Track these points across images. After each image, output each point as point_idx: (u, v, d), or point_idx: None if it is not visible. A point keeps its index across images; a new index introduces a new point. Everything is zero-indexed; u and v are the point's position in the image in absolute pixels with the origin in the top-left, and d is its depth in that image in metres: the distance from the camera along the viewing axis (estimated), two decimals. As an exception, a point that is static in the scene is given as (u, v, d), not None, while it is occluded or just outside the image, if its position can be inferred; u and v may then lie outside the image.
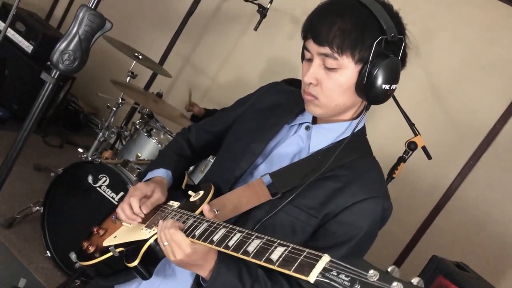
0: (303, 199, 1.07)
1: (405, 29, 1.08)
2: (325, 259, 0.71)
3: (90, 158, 2.61)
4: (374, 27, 1.01)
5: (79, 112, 4.28)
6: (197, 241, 0.95)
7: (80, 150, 2.74)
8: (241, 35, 3.93)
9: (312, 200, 1.07)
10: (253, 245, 0.84)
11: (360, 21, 1.00)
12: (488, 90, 3.03)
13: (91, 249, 1.21)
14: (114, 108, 2.89)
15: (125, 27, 4.01)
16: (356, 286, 0.62)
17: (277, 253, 0.79)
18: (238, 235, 0.89)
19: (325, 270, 0.68)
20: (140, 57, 3.04)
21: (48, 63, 1.02)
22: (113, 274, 1.18)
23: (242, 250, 0.85)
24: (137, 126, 2.81)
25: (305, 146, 1.16)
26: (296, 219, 1.07)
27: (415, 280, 0.62)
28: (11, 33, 3.67)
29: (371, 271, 0.63)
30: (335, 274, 0.66)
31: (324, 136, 1.15)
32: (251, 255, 0.83)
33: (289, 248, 0.79)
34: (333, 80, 1.05)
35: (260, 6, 2.92)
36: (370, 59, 1.01)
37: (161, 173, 1.27)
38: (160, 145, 2.72)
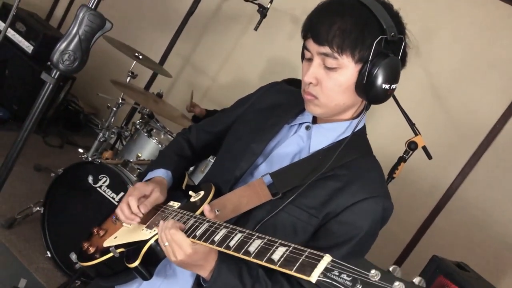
0: (304, 199, 1.07)
1: (405, 28, 1.07)
2: (327, 259, 0.71)
3: (90, 159, 2.61)
4: (374, 26, 1.00)
5: (79, 112, 4.28)
6: (198, 241, 0.95)
7: (81, 150, 2.74)
8: (241, 35, 3.93)
9: (313, 200, 1.07)
10: (254, 245, 0.84)
11: (360, 21, 1.00)
12: (488, 90, 3.02)
13: (92, 249, 1.21)
14: (114, 108, 2.89)
15: (125, 27, 4.01)
16: (358, 285, 0.62)
17: (279, 253, 0.79)
18: (239, 235, 0.89)
19: (326, 270, 0.68)
20: (140, 57, 3.04)
21: (48, 63, 1.02)
22: (114, 275, 1.18)
23: (243, 250, 0.85)
24: (138, 126, 2.81)
25: (306, 146, 1.16)
26: (297, 219, 1.07)
27: (416, 280, 0.62)
28: (11, 33, 3.67)
29: (373, 271, 0.63)
30: (337, 274, 0.66)
31: (324, 136, 1.15)
32: (253, 255, 0.83)
33: (291, 248, 0.78)
34: (333, 79, 1.04)
35: (260, 6, 2.92)
36: (370, 59, 1.01)
37: (161, 173, 1.27)
38: (160, 145, 2.72)
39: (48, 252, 2.49)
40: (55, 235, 2.50)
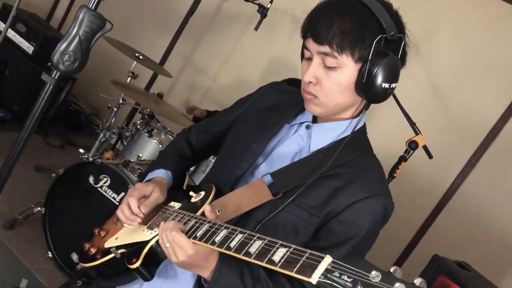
0: (304, 198, 1.07)
1: (405, 27, 1.07)
2: (327, 260, 0.71)
3: (91, 159, 2.61)
4: (374, 25, 1.00)
5: (80, 113, 4.28)
6: (198, 242, 0.95)
7: (81, 150, 2.74)
8: (242, 35, 3.92)
9: (313, 199, 1.07)
10: (255, 246, 0.84)
11: (360, 20, 1.00)
12: (489, 89, 3.02)
13: (93, 250, 1.21)
14: (115, 109, 2.89)
15: (125, 28, 4.01)
16: (359, 287, 0.62)
17: (279, 254, 0.79)
18: (239, 236, 0.89)
19: (327, 271, 0.68)
20: (141, 57, 3.04)
21: (49, 64, 1.02)
22: (115, 275, 1.18)
23: (244, 251, 0.85)
24: (138, 127, 2.82)
25: (306, 145, 1.15)
26: (298, 218, 1.07)
27: (417, 281, 0.62)
28: (11, 34, 3.67)
29: (374, 272, 0.63)
30: (338, 275, 0.66)
31: (324, 135, 1.15)
32: (253, 256, 0.83)
33: (291, 249, 0.78)
34: (332, 79, 1.04)
35: (260, 6, 2.92)
36: (369, 58, 1.01)
37: (161, 174, 1.27)
38: (161, 146, 2.72)
39: (49, 252, 2.49)
40: (56, 235, 2.50)
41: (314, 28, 1.04)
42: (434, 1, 3.22)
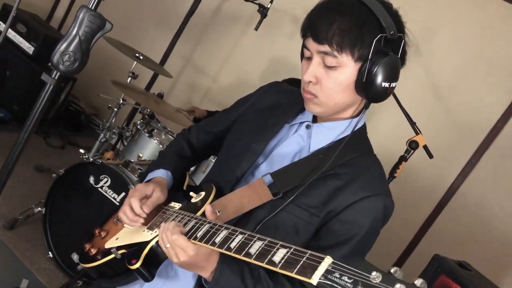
0: (304, 198, 1.07)
1: (405, 27, 1.07)
2: (328, 261, 0.71)
3: (91, 159, 2.61)
4: (374, 25, 1.00)
5: (80, 113, 4.28)
6: (199, 243, 0.95)
7: (82, 151, 2.74)
8: (242, 35, 3.92)
9: (313, 199, 1.07)
10: (255, 246, 0.84)
11: (360, 19, 1.00)
12: (489, 89, 3.02)
13: (93, 251, 1.21)
14: (115, 109, 2.89)
15: (125, 28, 4.01)
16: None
17: (280, 254, 0.79)
18: (240, 236, 0.89)
19: (327, 272, 0.68)
20: (141, 57, 3.04)
21: (49, 64, 1.02)
22: (116, 276, 1.18)
23: (244, 252, 0.85)
24: (138, 127, 2.82)
25: (306, 145, 1.15)
26: (298, 218, 1.07)
27: (418, 282, 0.62)
28: (12, 34, 3.67)
29: (374, 273, 0.63)
30: (338, 276, 0.66)
31: (324, 135, 1.15)
32: (254, 257, 0.83)
33: (291, 250, 0.78)
34: (332, 78, 1.04)
35: (260, 5, 2.92)
36: (369, 57, 1.01)
37: (161, 174, 1.27)
38: (161, 146, 2.72)
39: (49, 252, 2.49)
40: (56, 235, 2.50)
41: (314, 27, 1.04)
42: (434, 1, 3.22)
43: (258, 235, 0.87)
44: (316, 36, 1.03)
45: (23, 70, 3.63)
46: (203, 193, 1.15)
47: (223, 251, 0.89)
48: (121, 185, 2.37)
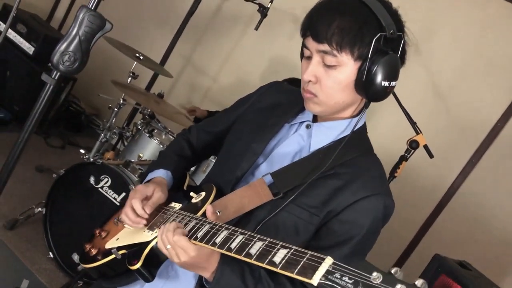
0: (304, 198, 1.07)
1: (404, 26, 1.07)
2: (328, 261, 0.70)
3: (92, 159, 2.61)
4: (373, 24, 1.00)
5: (81, 113, 4.28)
6: (199, 243, 0.95)
7: (82, 151, 2.74)
8: (242, 35, 3.92)
9: (313, 199, 1.07)
10: (256, 247, 0.84)
11: (359, 19, 1.00)
12: (489, 88, 3.02)
13: (94, 251, 1.21)
14: (116, 109, 2.89)
15: (125, 28, 4.01)
16: (359, 288, 0.62)
17: (280, 255, 0.79)
18: (240, 237, 0.89)
19: (328, 272, 0.68)
20: (141, 57, 3.04)
21: (49, 64, 1.02)
22: (116, 276, 1.18)
23: (245, 252, 0.85)
24: (139, 127, 2.82)
25: (306, 145, 1.15)
26: (298, 218, 1.07)
27: (418, 282, 0.62)
28: (12, 34, 3.67)
29: (375, 273, 0.63)
30: (338, 276, 0.65)
31: (324, 135, 1.14)
32: (254, 257, 0.83)
33: (292, 250, 0.78)
34: (332, 77, 1.04)
35: (260, 5, 2.92)
36: (369, 56, 1.01)
37: (161, 174, 1.28)
38: (161, 146, 2.72)
39: (50, 252, 2.49)
40: (57, 235, 2.50)
41: (313, 26, 1.04)
42: (434, 1, 3.22)
43: (258, 236, 0.86)
44: (316, 35, 1.03)
45: (23, 70, 3.63)
46: (203, 193, 1.15)
47: (223, 251, 0.89)
48: (121, 185, 2.37)
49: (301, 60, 1.12)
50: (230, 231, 0.92)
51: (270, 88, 1.31)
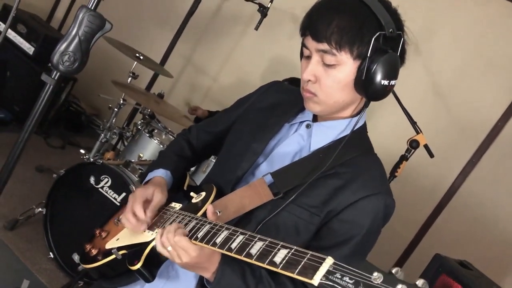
0: (305, 197, 1.07)
1: (404, 25, 1.07)
2: (329, 261, 0.70)
3: (92, 159, 2.61)
4: (373, 23, 1.00)
5: (81, 113, 4.28)
6: (199, 243, 0.95)
7: (82, 151, 2.74)
8: (242, 35, 3.92)
9: (314, 199, 1.07)
10: (256, 247, 0.84)
11: (359, 18, 1.00)
12: (490, 88, 3.02)
13: (94, 251, 1.21)
14: (116, 109, 2.89)
15: (125, 28, 4.01)
16: (360, 288, 0.62)
17: (280, 255, 0.79)
18: (241, 237, 0.89)
19: (328, 272, 0.68)
20: (141, 57, 3.04)
21: (49, 64, 1.02)
22: (116, 276, 1.18)
23: (245, 252, 0.85)
24: (139, 127, 2.82)
25: (306, 145, 1.15)
26: (298, 218, 1.07)
27: (419, 282, 0.61)
28: (12, 35, 3.67)
29: (375, 273, 0.63)
30: (339, 276, 0.65)
31: (325, 134, 1.14)
32: (254, 257, 0.82)
33: (292, 251, 0.78)
34: (331, 76, 1.04)
35: (260, 5, 2.92)
36: (368, 55, 1.00)
37: (161, 173, 1.27)
38: (161, 146, 2.72)
39: (50, 253, 2.49)
40: (57, 236, 2.50)
41: (313, 26, 1.04)
42: (434, 1, 3.22)
43: (259, 236, 0.86)
44: (315, 35, 1.03)
45: (23, 70, 3.63)
46: (203, 193, 1.15)
47: (224, 251, 0.89)
48: (121, 185, 2.37)
49: (301, 59, 1.12)
50: (230, 231, 0.92)
51: (270, 87, 1.31)
